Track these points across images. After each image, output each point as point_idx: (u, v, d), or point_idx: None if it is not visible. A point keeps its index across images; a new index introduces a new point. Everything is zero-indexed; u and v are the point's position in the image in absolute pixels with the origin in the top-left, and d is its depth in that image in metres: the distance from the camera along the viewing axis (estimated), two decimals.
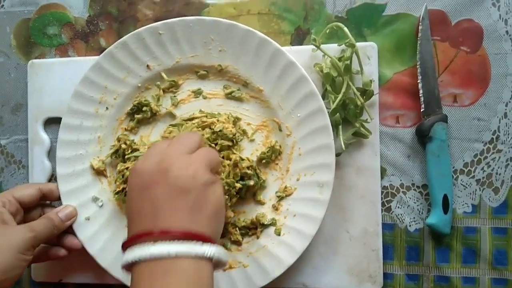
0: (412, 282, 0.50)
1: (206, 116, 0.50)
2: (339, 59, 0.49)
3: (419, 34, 0.49)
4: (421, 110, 0.49)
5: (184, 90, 0.52)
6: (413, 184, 0.50)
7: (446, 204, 0.48)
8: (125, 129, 0.52)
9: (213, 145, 0.48)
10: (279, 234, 0.48)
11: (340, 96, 0.48)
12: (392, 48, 0.51)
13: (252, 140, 0.50)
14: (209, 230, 0.36)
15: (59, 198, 0.51)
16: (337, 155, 0.49)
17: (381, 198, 0.50)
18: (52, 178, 0.56)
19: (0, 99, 0.58)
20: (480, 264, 0.49)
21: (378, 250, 0.50)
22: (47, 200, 0.52)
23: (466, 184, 0.50)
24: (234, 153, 0.48)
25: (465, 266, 0.50)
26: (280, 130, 0.49)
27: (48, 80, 0.55)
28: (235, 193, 0.48)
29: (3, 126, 0.58)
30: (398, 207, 0.51)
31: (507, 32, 0.49)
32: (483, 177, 0.50)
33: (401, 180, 0.51)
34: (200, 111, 0.51)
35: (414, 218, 0.50)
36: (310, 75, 0.48)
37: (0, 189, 0.58)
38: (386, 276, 0.50)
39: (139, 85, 0.51)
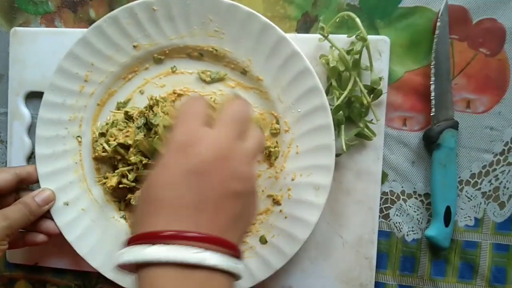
0: None
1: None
2: (348, 52, 0.45)
3: (436, 31, 0.45)
4: (431, 114, 0.46)
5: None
6: (414, 192, 0.47)
7: (448, 216, 0.45)
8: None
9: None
10: (265, 243, 0.45)
11: (345, 93, 0.44)
12: (406, 44, 0.47)
13: None
14: (239, 243, 0.31)
15: (38, 181, 0.48)
16: (337, 155, 0.46)
17: (380, 204, 0.47)
18: (32, 156, 0.52)
19: None
20: (477, 280, 0.47)
21: (371, 259, 0.47)
22: (25, 184, 0.48)
23: (471, 196, 0.47)
24: None
25: (461, 281, 0.47)
26: (278, 124, 0.46)
27: (31, 51, 0.51)
28: None
29: None
30: (397, 215, 0.48)
31: None
32: (490, 190, 0.47)
33: (402, 187, 0.48)
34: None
35: (412, 227, 0.48)
36: (315, 67, 0.44)
37: None
38: (377, 285, 0.48)
39: (128, 63, 0.47)
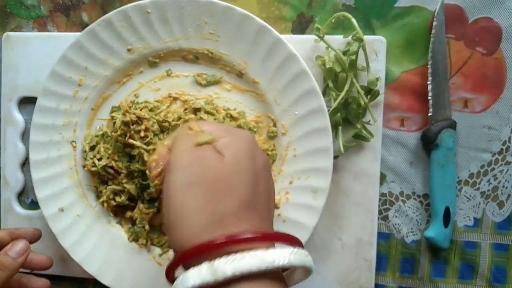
0: None
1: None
2: (344, 53, 0.44)
3: (433, 31, 0.45)
4: (429, 114, 0.45)
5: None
6: (413, 193, 0.47)
7: (447, 217, 0.45)
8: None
9: None
10: None
11: (342, 94, 0.44)
12: (402, 43, 0.46)
13: None
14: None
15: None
16: (335, 157, 0.45)
17: (379, 205, 0.47)
18: (26, 162, 0.52)
19: None
20: (477, 280, 0.47)
21: (371, 261, 0.47)
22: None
23: (470, 196, 0.46)
24: None
25: (461, 282, 0.47)
26: (275, 127, 0.45)
27: (24, 56, 0.51)
28: None
29: None
30: (396, 216, 0.47)
31: None
32: (488, 190, 0.46)
33: (401, 188, 0.47)
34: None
35: (411, 229, 0.47)
36: (311, 68, 0.44)
37: None
38: (377, 287, 0.48)
39: (122, 66, 0.47)
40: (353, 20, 0.43)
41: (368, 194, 0.46)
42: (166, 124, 0.45)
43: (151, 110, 0.46)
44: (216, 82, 0.47)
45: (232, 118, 0.46)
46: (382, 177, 0.47)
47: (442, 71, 0.45)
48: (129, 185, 0.45)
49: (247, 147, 0.31)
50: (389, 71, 0.46)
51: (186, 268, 0.27)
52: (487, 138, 0.46)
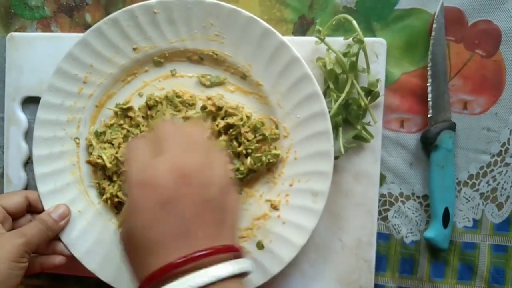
0: None
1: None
2: (345, 55, 0.45)
3: (433, 33, 0.45)
4: (428, 115, 0.46)
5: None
6: (413, 194, 0.47)
7: (446, 218, 0.45)
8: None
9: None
10: (262, 248, 0.45)
11: (343, 95, 0.44)
12: (402, 45, 0.47)
13: None
14: (234, 241, 0.32)
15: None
16: (335, 158, 0.46)
17: (378, 206, 0.47)
18: (29, 161, 0.52)
19: None
20: (476, 281, 0.47)
21: (370, 261, 0.47)
22: (34, 211, 0.48)
23: (469, 197, 0.47)
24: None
25: (460, 282, 0.47)
26: (277, 129, 0.46)
27: (28, 56, 0.51)
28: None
29: None
30: (395, 217, 0.48)
31: None
32: (488, 191, 0.47)
33: (400, 189, 0.48)
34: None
35: (411, 229, 0.48)
36: (312, 70, 0.44)
37: None
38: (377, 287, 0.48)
39: (128, 65, 0.47)
40: (354, 22, 0.43)
41: (368, 195, 0.47)
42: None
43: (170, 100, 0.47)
44: (220, 84, 0.47)
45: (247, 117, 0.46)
46: (382, 178, 0.47)
47: (442, 73, 0.46)
48: None
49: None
50: (389, 73, 0.47)
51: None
52: (486, 140, 0.46)
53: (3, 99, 0.52)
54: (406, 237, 0.48)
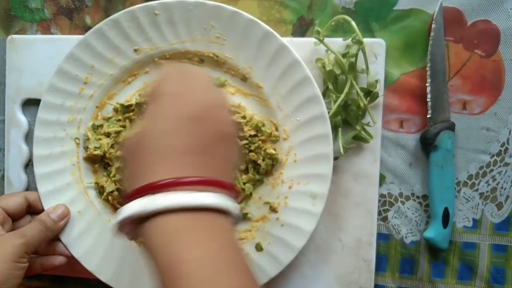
0: None
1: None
2: (344, 56, 0.45)
3: (432, 33, 0.45)
4: (428, 116, 0.46)
5: None
6: (412, 194, 0.48)
7: (446, 218, 0.45)
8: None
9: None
10: (260, 250, 0.45)
11: (342, 96, 0.44)
12: (401, 46, 0.47)
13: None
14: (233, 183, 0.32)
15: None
16: (335, 159, 0.46)
17: (378, 206, 0.47)
18: (29, 163, 0.52)
19: None
20: (476, 281, 0.47)
21: (370, 261, 0.47)
22: (34, 212, 0.48)
23: (469, 197, 0.47)
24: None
25: (460, 282, 0.47)
26: (277, 131, 0.46)
27: (28, 58, 0.51)
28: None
29: None
30: (395, 217, 0.48)
31: None
32: (487, 191, 0.47)
33: (400, 189, 0.48)
34: None
35: (411, 229, 0.48)
36: (311, 71, 0.44)
37: None
38: None
39: (128, 66, 0.48)
40: (353, 23, 0.44)
41: (368, 195, 0.47)
42: None
43: None
44: (220, 85, 0.47)
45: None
46: (382, 178, 0.47)
47: (441, 73, 0.46)
48: None
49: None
50: (388, 73, 0.47)
51: None
52: (485, 140, 0.46)
53: (3, 101, 0.52)
54: (406, 237, 0.48)
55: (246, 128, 0.45)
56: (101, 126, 0.48)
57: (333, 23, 0.46)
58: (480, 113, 0.46)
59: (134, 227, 0.29)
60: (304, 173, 0.44)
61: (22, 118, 0.52)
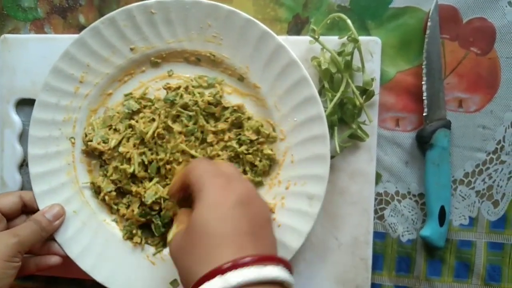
0: None
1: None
2: (339, 54, 0.45)
3: (427, 31, 0.45)
4: (424, 114, 0.46)
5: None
6: (409, 192, 0.47)
7: (442, 216, 0.45)
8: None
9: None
10: None
11: (338, 94, 0.44)
12: (397, 44, 0.47)
13: None
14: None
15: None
16: (331, 158, 0.46)
17: (374, 205, 0.47)
18: (24, 164, 0.52)
19: None
20: (472, 279, 0.47)
21: (367, 260, 0.47)
22: (29, 211, 0.48)
23: (465, 195, 0.47)
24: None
25: (457, 280, 0.47)
26: (274, 132, 0.46)
27: (21, 57, 0.51)
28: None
29: None
30: (392, 216, 0.48)
31: None
32: (483, 189, 0.47)
33: (396, 187, 0.48)
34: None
35: (407, 228, 0.48)
36: (307, 69, 0.44)
37: None
38: (374, 286, 0.48)
39: (124, 65, 0.47)
40: (348, 21, 0.43)
41: (364, 193, 0.47)
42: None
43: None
44: (217, 84, 0.47)
45: (235, 111, 0.46)
46: (378, 177, 0.47)
47: (437, 71, 0.46)
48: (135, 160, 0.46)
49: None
50: (384, 72, 0.47)
51: None
52: (481, 138, 0.46)
53: None
54: (402, 235, 0.48)
55: (247, 133, 0.45)
56: (111, 118, 0.48)
57: (328, 21, 0.45)
58: (476, 111, 0.46)
59: None
60: (301, 173, 0.44)
61: (16, 118, 0.52)
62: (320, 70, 0.45)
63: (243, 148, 0.45)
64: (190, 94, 0.46)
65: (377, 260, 0.48)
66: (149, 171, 0.46)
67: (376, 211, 0.48)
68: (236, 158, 0.46)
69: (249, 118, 0.46)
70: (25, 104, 0.51)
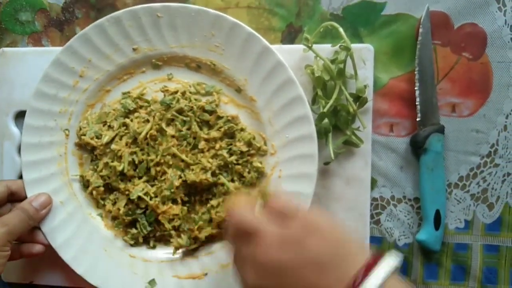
0: None
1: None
2: (332, 62, 0.45)
3: (419, 37, 0.46)
4: (417, 119, 0.46)
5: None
6: (404, 197, 0.48)
7: (438, 220, 0.46)
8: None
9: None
10: None
11: (331, 102, 0.45)
12: (390, 51, 0.47)
13: None
14: None
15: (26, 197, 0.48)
16: (326, 164, 0.46)
17: (370, 210, 0.48)
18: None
19: None
20: (469, 282, 0.47)
21: None
22: (16, 200, 0.48)
23: (460, 198, 0.47)
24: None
25: (454, 283, 0.48)
26: (266, 145, 0.46)
27: (20, 70, 0.52)
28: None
29: None
30: (388, 220, 0.48)
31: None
32: (478, 192, 0.47)
33: (392, 192, 0.48)
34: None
35: (403, 232, 0.48)
36: (300, 77, 0.45)
37: None
38: None
39: (126, 64, 0.48)
40: (340, 29, 0.44)
41: (360, 199, 0.47)
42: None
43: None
44: (215, 93, 0.48)
45: (229, 121, 0.47)
46: (373, 182, 0.48)
47: (429, 77, 0.46)
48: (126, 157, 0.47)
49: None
50: (377, 78, 0.47)
51: None
52: (475, 142, 0.47)
53: None
54: (398, 239, 0.48)
55: (239, 144, 0.46)
56: (107, 114, 0.49)
57: (321, 30, 0.46)
58: (469, 115, 0.47)
59: None
60: (287, 189, 0.45)
61: (15, 131, 0.52)
62: (313, 77, 0.46)
63: (233, 158, 0.46)
64: (186, 99, 0.47)
65: None
66: (137, 171, 0.47)
67: (372, 216, 0.48)
68: (225, 167, 0.46)
69: (242, 130, 0.46)
70: (23, 117, 0.52)
